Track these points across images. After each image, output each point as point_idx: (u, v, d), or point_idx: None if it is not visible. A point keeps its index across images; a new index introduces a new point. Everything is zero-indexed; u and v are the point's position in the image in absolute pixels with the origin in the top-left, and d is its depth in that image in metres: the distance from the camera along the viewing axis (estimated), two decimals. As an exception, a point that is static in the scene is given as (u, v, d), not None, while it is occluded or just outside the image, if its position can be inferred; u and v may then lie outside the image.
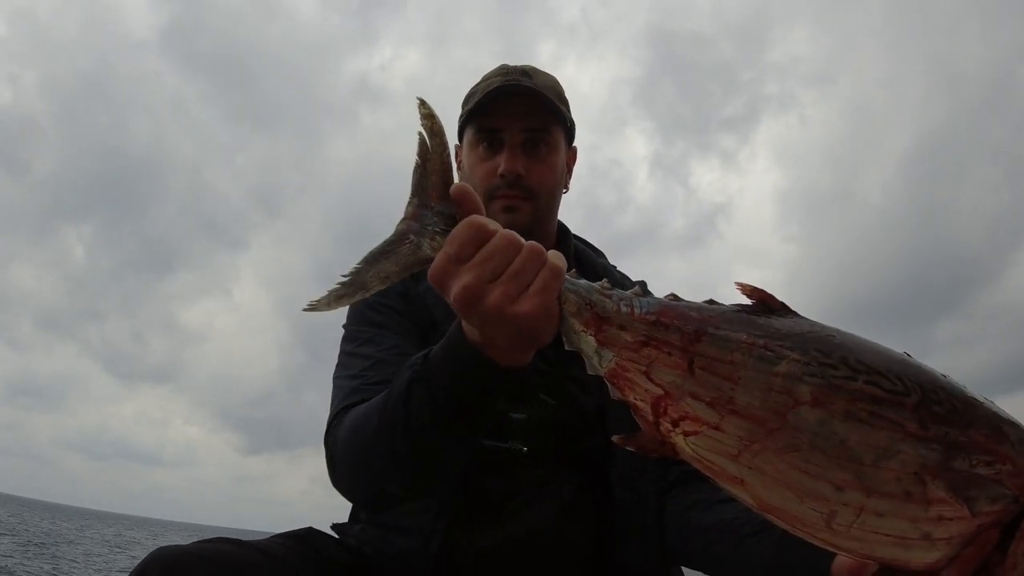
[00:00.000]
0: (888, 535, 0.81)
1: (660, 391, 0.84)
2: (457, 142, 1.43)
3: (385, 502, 1.18)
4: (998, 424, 0.85)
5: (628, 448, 0.86)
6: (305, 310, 0.88)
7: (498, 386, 0.91)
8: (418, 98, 0.91)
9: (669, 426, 0.84)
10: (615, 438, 0.86)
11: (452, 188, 0.85)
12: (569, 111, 1.41)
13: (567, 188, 1.45)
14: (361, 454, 1.09)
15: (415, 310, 1.33)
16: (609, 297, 0.88)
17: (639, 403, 0.86)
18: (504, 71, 1.35)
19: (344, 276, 0.88)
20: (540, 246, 0.83)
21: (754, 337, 0.83)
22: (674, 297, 0.89)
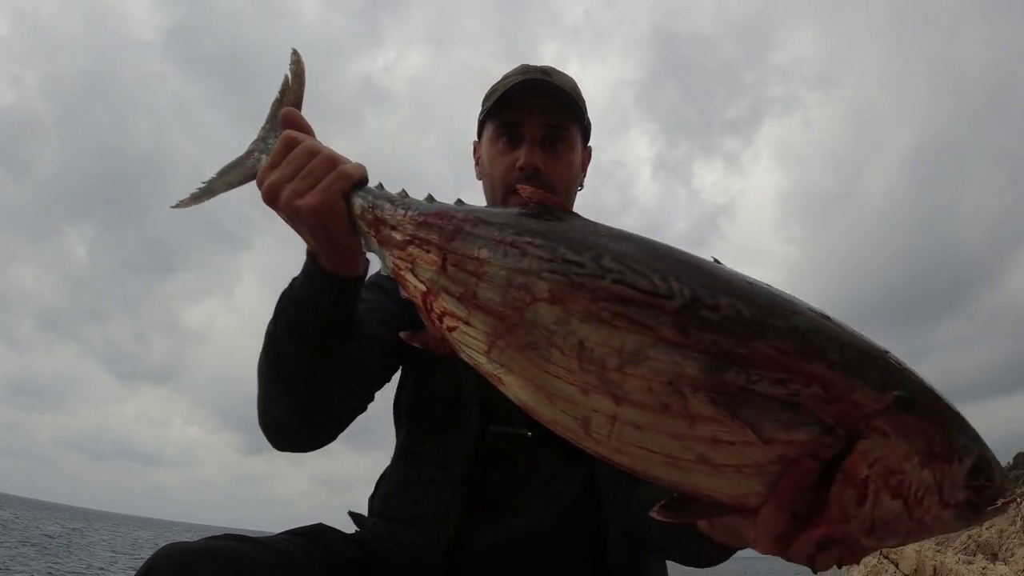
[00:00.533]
0: (655, 452, 0.76)
1: (424, 288, 0.89)
2: (476, 138, 1.47)
3: (283, 432, 1.19)
4: (809, 340, 0.74)
5: (414, 344, 0.92)
6: (172, 207, 1.10)
7: (332, 293, 1.01)
8: (292, 49, 1.11)
9: (438, 322, 0.88)
10: (402, 334, 0.94)
11: (281, 112, 1.04)
12: (586, 111, 1.44)
13: (582, 186, 1.48)
14: (257, 380, 1.15)
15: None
16: (391, 201, 0.96)
17: (414, 300, 0.91)
18: (525, 69, 1.39)
19: (202, 183, 1.09)
20: (337, 156, 0.96)
21: (504, 234, 0.84)
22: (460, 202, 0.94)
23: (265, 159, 0.99)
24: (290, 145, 0.96)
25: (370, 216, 0.96)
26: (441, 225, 0.90)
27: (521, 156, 1.33)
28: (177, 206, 1.09)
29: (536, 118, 1.35)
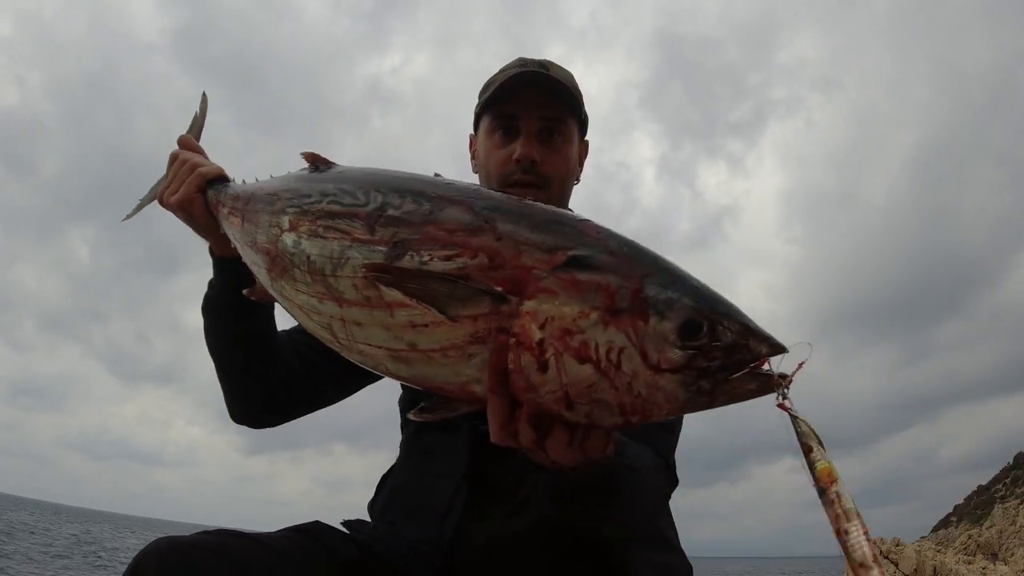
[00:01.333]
0: (379, 346, 0.83)
1: (239, 247, 1.14)
2: (472, 132, 1.48)
3: (242, 413, 1.40)
4: (482, 218, 0.80)
5: (252, 297, 1.12)
6: (123, 220, 1.45)
7: (221, 273, 1.28)
8: (203, 92, 1.47)
9: (253, 270, 1.10)
10: (244, 291, 1.13)
11: (178, 139, 1.34)
12: (583, 105, 1.43)
13: (578, 180, 1.48)
14: None
15: None
16: (230, 188, 1.21)
17: (245, 262, 1.13)
18: (522, 62, 1.39)
19: (139, 199, 1.44)
20: (200, 161, 1.27)
21: (272, 189, 1.07)
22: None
23: None
24: (171, 160, 1.30)
25: (215, 203, 1.22)
26: (244, 195, 1.15)
27: (517, 148, 1.33)
28: (126, 219, 1.45)
29: (533, 111, 1.34)
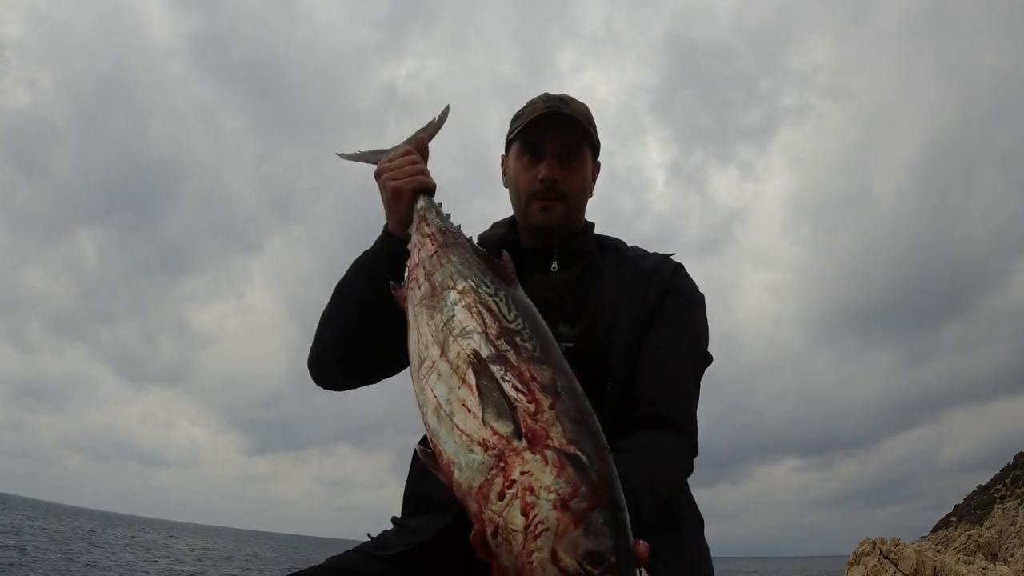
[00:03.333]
0: (435, 397, 1.16)
1: (416, 261, 1.43)
2: (503, 152, 1.79)
3: (323, 358, 1.62)
4: (556, 389, 1.10)
5: (392, 292, 1.42)
6: (337, 154, 1.76)
7: (385, 241, 1.58)
8: (447, 105, 1.74)
9: (409, 282, 1.41)
10: (391, 283, 1.43)
11: (418, 137, 1.67)
12: (596, 133, 1.72)
13: (592, 194, 1.77)
14: (318, 325, 1.62)
15: None
16: (439, 213, 1.52)
17: (409, 267, 1.44)
18: (547, 98, 1.69)
19: (358, 150, 1.76)
20: (425, 169, 1.59)
21: (470, 259, 1.37)
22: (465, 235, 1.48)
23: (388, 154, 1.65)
24: (404, 153, 1.61)
25: (421, 213, 1.52)
26: (450, 236, 1.44)
27: (542, 170, 1.65)
28: (340, 154, 1.76)
29: (555, 139, 1.65)
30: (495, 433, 1.03)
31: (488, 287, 1.27)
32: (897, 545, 10.87)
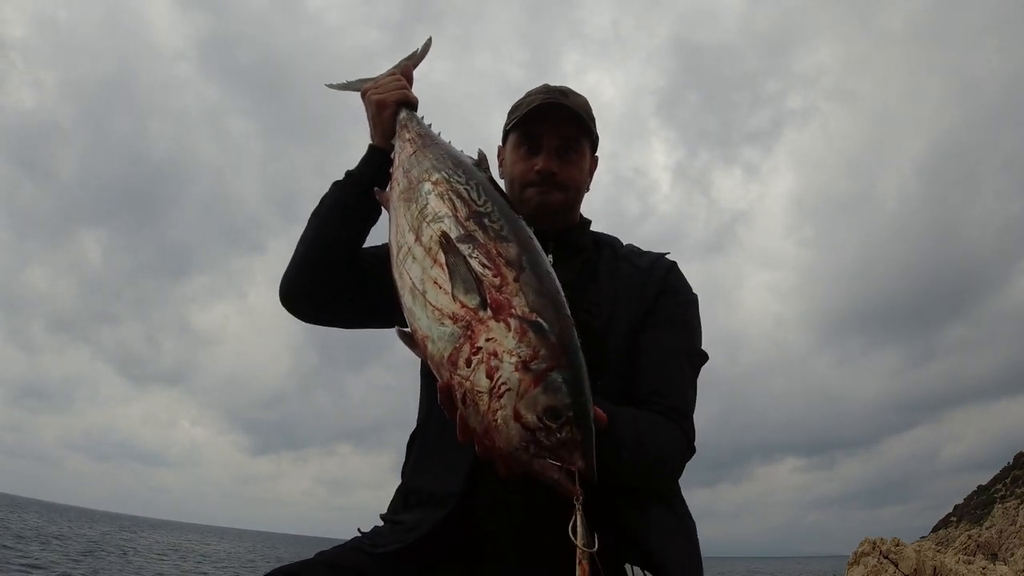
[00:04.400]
0: (411, 279, 1.25)
1: (397, 163, 1.54)
2: (500, 144, 1.77)
3: (290, 282, 1.62)
4: (521, 264, 1.19)
5: (376, 197, 1.54)
6: (326, 85, 1.86)
7: (371, 160, 1.65)
8: (429, 37, 1.85)
9: (392, 182, 1.51)
10: (375, 189, 1.55)
11: (404, 65, 1.79)
12: (595, 127, 1.71)
13: (588, 188, 1.75)
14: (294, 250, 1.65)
15: None
16: (419, 122, 1.62)
17: (392, 168, 1.55)
18: (546, 90, 1.68)
19: (347, 80, 1.84)
20: (407, 86, 1.72)
21: (445, 155, 1.48)
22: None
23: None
24: (389, 74, 1.74)
25: (403, 123, 1.62)
26: (426, 139, 1.55)
27: (539, 162, 1.63)
28: (330, 85, 1.85)
29: (553, 131, 1.64)
30: (463, 306, 1.12)
31: (460, 176, 1.38)
32: (897, 545, 10.88)
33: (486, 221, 1.25)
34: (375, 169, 1.60)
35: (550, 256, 1.58)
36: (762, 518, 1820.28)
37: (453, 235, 1.23)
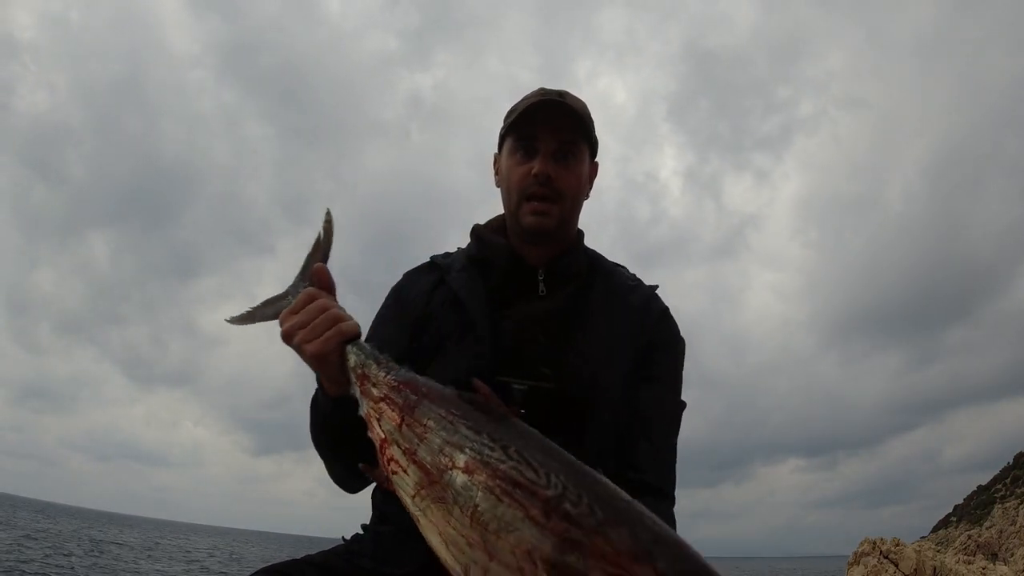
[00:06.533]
0: None
1: (382, 436, 1.16)
2: (496, 151, 1.64)
3: (338, 481, 1.50)
4: (643, 548, 0.90)
5: (367, 476, 1.18)
6: (226, 321, 1.46)
7: (328, 404, 1.34)
8: (327, 209, 1.44)
9: (386, 463, 1.14)
10: (361, 466, 1.19)
11: (313, 268, 1.37)
12: (594, 131, 1.59)
13: (587, 196, 1.63)
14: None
15: (414, 313, 1.58)
16: (377, 362, 1.25)
17: (375, 442, 1.18)
18: (543, 92, 1.55)
19: (248, 308, 1.45)
20: (340, 315, 1.29)
21: (449, 412, 1.10)
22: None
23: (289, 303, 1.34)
24: (307, 301, 1.31)
25: (359, 371, 1.25)
26: (407, 392, 1.17)
27: (536, 165, 1.50)
28: (230, 321, 1.47)
29: (550, 134, 1.51)
30: None
31: (491, 447, 1.03)
32: (897, 545, 10.88)
33: (568, 507, 0.93)
34: (344, 414, 1.30)
35: (542, 287, 1.51)
36: (763, 518, 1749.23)
37: (547, 551, 0.91)
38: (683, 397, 1.55)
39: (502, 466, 1.00)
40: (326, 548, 1.47)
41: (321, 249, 1.42)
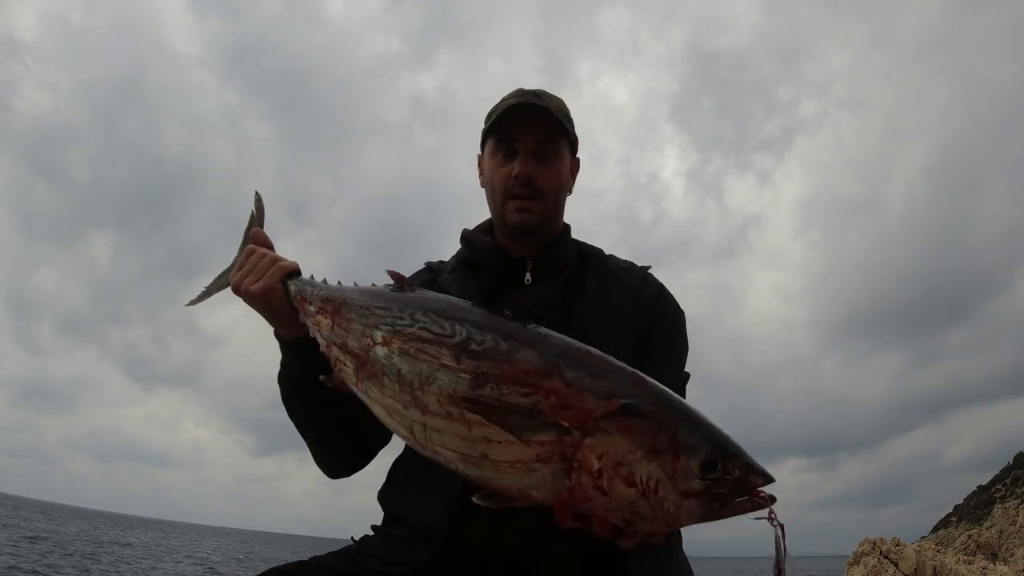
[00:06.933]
0: (454, 451, 1.05)
1: (325, 343, 1.31)
2: (479, 152, 1.67)
3: (319, 462, 1.54)
4: (550, 363, 1.03)
5: (329, 385, 1.28)
6: (186, 305, 1.62)
7: (289, 355, 1.44)
8: (255, 192, 1.62)
9: (334, 365, 1.28)
10: (321, 377, 1.30)
11: (252, 232, 1.54)
12: (573, 127, 1.63)
13: (570, 191, 1.66)
14: None
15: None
16: (312, 286, 1.39)
17: (323, 352, 1.31)
18: (520, 93, 1.59)
19: (205, 287, 1.60)
20: (278, 257, 1.44)
21: (365, 302, 1.26)
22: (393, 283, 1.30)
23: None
24: (249, 254, 1.46)
25: (299, 297, 1.38)
26: (333, 299, 1.32)
27: (516, 166, 1.54)
28: (189, 304, 1.62)
29: (528, 134, 1.55)
30: (543, 443, 0.98)
31: (403, 317, 1.17)
32: (897, 545, 10.88)
33: (474, 347, 1.07)
34: (304, 362, 1.38)
35: (528, 276, 1.54)
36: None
37: (463, 389, 1.04)
38: (687, 369, 1.57)
39: (410, 329, 1.15)
40: (330, 548, 1.47)
41: (255, 220, 1.59)
